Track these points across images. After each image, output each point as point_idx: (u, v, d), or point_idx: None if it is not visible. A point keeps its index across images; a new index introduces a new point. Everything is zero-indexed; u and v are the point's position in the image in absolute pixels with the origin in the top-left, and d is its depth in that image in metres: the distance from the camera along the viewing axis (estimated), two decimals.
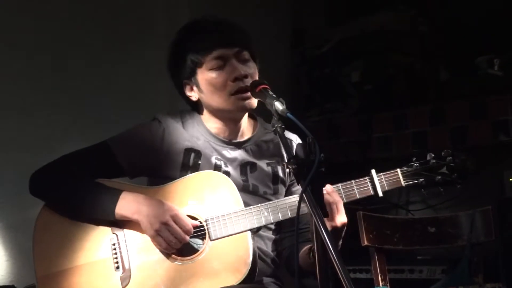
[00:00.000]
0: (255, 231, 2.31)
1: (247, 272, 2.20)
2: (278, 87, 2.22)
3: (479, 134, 3.66)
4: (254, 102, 2.30)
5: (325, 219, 2.13)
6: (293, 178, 2.43)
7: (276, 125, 1.96)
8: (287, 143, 1.93)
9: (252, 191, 2.38)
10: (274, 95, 2.06)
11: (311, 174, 1.75)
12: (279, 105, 1.97)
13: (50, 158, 2.37)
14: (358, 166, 3.99)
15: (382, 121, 4.00)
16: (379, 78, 4.12)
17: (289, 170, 1.83)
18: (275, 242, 2.44)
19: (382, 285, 2.73)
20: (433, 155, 2.32)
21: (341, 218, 2.20)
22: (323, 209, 1.77)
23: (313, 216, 1.74)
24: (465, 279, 2.78)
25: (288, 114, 1.93)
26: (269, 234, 2.42)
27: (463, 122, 3.72)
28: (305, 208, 1.77)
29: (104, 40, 3.57)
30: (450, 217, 2.87)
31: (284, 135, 1.96)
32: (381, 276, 2.75)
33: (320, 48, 4.31)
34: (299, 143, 1.87)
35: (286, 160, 2.10)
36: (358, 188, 2.29)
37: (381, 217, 2.85)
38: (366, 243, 2.76)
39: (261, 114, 2.43)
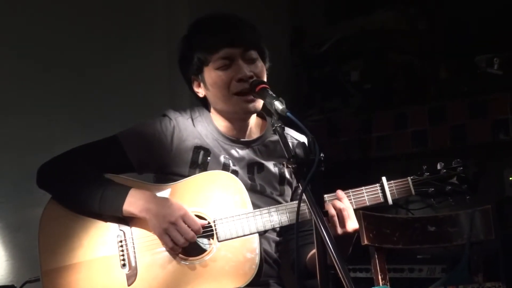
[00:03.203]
0: (262, 233, 2.29)
1: (254, 275, 2.19)
2: (277, 86, 2.21)
3: (479, 133, 3.66)
4: (258, 104, 2.29)
5: (336, 225, 2.15)
6: None
7: (276, 125, 1.96)
8: (287, 143, 1.92)
9: (260, 191, 2.37)
10: (274, 95, 2.07)
11: (311, 173, 1.76)
12: (278, 105, 1.98)
13: (50, 158, 2.35)
14: (358, 165, 4.03)
15: (382, 120, 4.00)
16: (379, 77, 4.11)
17: (289, 169, 1.83)
18: (278, 244, 2.43)
19: (382, 284, 2.73)
20: (443, 164, 2.32)
21: (352, 224, 2.20)
22: (323, 208, 1.77)
23: (313, 215, 1.74)
24: (464, 278, 2.78)
25: (288, 114, 1.94)
26: (274, 236, 2.41)
27: (462, 121, 3.71)
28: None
29: (105, 39, 3.57)
30: (449, 216, 2.87)
31: (284, 134, 1.95)
32: (381, 275, 2.75)
33: (320, 47, 4.30)
34: (298, 142, 1.87)
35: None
36: (368, 195, 2.28)
37: (381, 216, 2.85)
38: (366, 242, 2.76)
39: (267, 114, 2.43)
